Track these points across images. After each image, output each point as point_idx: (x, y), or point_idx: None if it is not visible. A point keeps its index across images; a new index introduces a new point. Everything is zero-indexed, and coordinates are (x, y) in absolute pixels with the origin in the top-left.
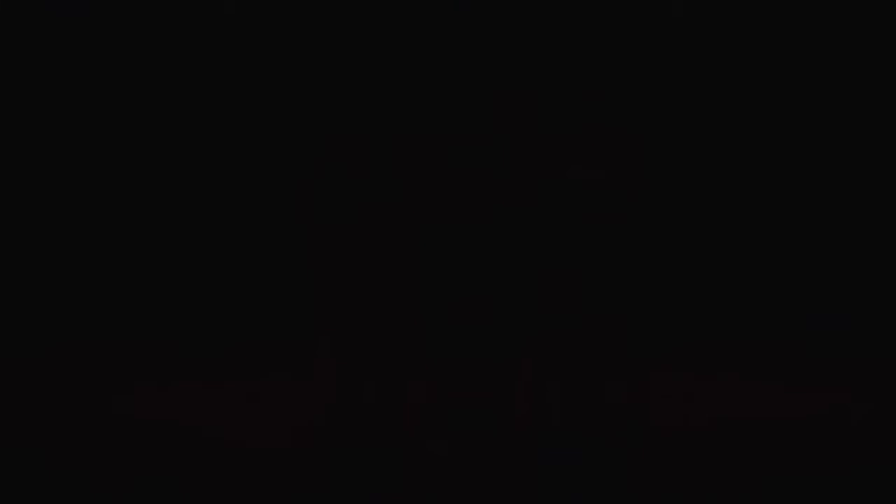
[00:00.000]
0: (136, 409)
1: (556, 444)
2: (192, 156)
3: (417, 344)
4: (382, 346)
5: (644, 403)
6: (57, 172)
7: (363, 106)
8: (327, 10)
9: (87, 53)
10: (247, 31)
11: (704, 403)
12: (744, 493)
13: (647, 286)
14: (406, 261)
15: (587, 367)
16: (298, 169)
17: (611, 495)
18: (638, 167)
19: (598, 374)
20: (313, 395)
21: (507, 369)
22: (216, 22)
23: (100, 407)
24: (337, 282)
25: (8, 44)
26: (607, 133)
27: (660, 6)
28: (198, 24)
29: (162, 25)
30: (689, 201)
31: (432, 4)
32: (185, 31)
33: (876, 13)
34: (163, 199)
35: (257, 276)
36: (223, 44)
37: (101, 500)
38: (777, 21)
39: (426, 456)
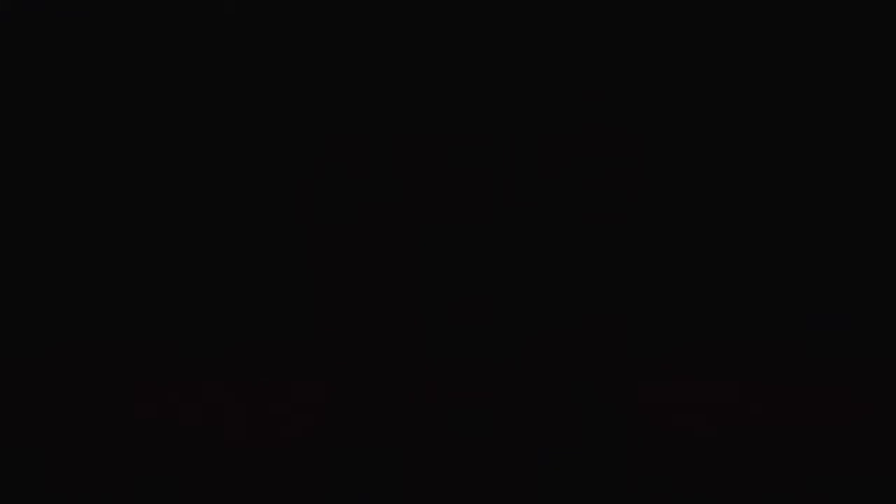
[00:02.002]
0: (136, 409)
1: (556, 445)
2: (191, 156)
3: (418, 344)
4: (382, 346)
5: (643, 404)
6: (57, 172)
7: (363, 106)
8: (327, 10)
9: (87, 53)
10: (247, 31)
11: (703, 404)
12: (743, 493)
13: (646, 286)
14: (406, 261)
15: (586, 367)
16: (298, 169)
17: (610, 497)
18: (638, 167)
19: (597, 374)
20: (313, 394)
21: (507, 369)
22: (216, 22)
23: (100, 407)
24: (337, 282)
25: (8, 43)
26: (607, 133)
27: (659, 5)
28: (198, 24)
29: (161, 25)
30: (689, 201)
31: (432, 4)
32: (185, 31)
33: (876, 13)
34: (162, 198)
35: (257, 276)
36: (223, 44)
37: (102, 500)
38: (778, 20)
39: (426, 456)
